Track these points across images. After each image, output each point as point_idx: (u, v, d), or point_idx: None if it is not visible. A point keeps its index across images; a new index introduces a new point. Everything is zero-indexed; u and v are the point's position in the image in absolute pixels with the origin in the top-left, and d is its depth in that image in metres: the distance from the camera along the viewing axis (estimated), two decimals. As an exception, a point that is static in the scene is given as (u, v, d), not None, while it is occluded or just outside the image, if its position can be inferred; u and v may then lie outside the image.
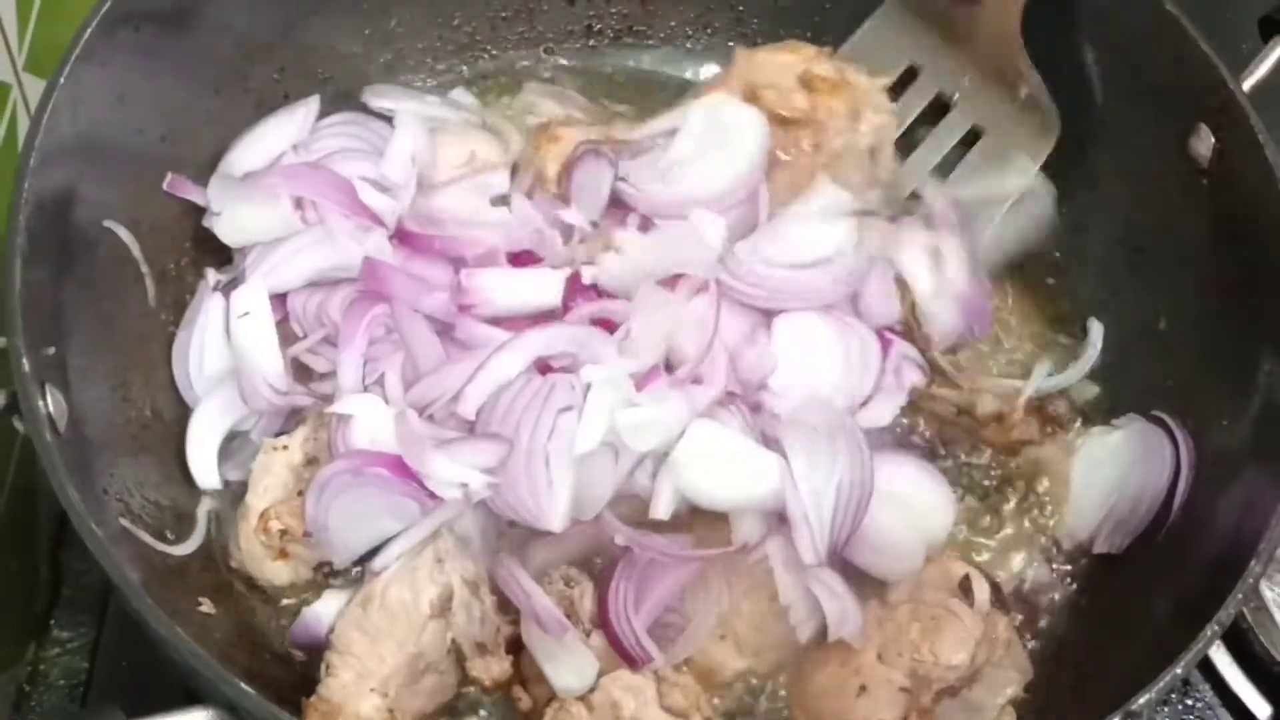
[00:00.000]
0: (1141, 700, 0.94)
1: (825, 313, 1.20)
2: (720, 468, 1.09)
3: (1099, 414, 1.28)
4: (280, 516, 1.11)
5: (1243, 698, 1.24)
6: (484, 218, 1.25)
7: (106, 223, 1.15)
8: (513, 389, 1.10)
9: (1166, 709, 1.25)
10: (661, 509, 1.09)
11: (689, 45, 1.51)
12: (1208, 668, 1.25)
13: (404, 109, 1.32)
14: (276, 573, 1.14)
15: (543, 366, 1.14)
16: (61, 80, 1.08)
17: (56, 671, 1.22)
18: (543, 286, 1.19)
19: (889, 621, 1.07)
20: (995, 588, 1.11)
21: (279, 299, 1.20)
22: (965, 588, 1.09)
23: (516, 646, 1.07)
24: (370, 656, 1.03)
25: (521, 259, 1.23)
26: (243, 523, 1.14)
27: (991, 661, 1.06)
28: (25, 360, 0.98)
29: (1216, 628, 0.97)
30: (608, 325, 1.17)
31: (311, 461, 1.13)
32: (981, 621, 1.06)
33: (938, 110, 1.37)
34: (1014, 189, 1.31)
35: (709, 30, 1.50)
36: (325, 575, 1.15)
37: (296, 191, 1.22)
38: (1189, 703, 1.25)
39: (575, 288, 1.20)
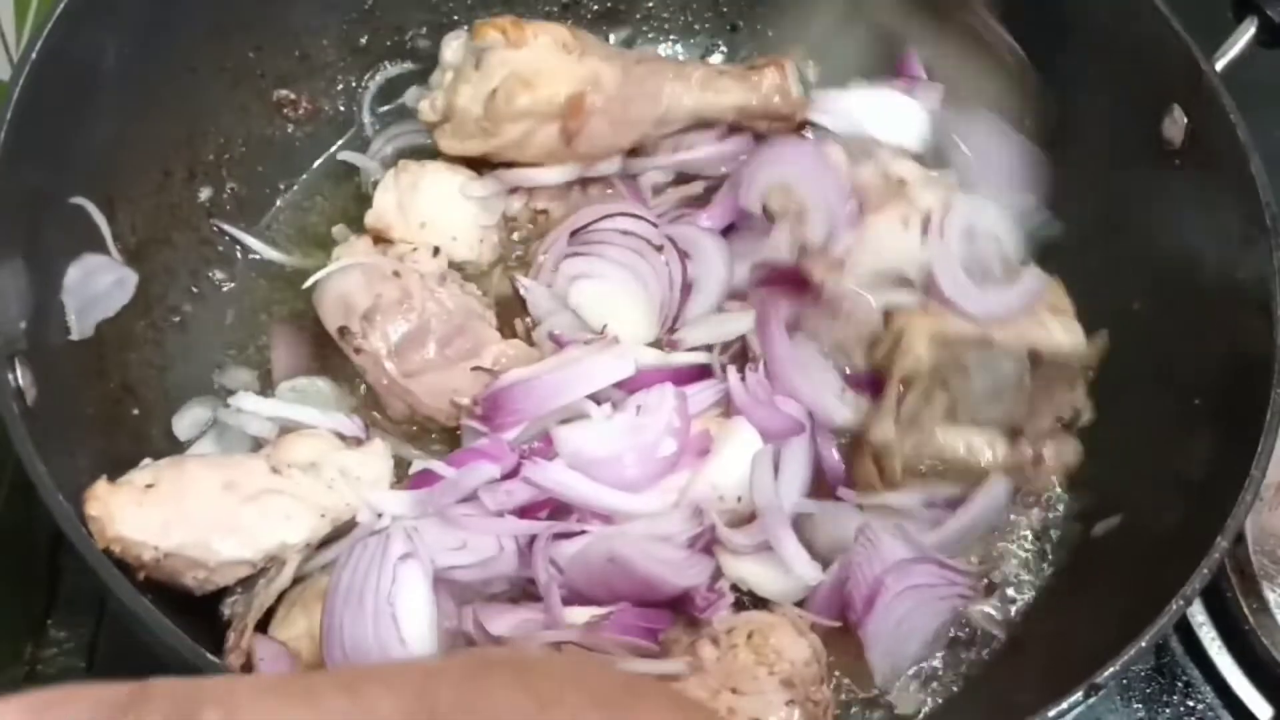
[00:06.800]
0: (1107, 673, 0.95)
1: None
2: None
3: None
4: None
5: (1244, 699, 1.24)
6: None
7: (78, 200, 1.15)
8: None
9: (1168, 710, 1.25)
10: None
11: (667, 25, 1.51)
12: (1209, 669, 1.25)
13: None
14: None
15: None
16: (32, 57, 1.08)
17: (53, 671, 1.22)
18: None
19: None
20: None
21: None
22: None
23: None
24: None
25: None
26: None
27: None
28: (-6, 335, 0.99)
29: (1181, 603, 0.98)
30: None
31: None
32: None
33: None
34: None
35: (688, 11, 1.50)
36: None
37: None
38: (1190, 704, 1.25)
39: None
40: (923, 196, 1.25)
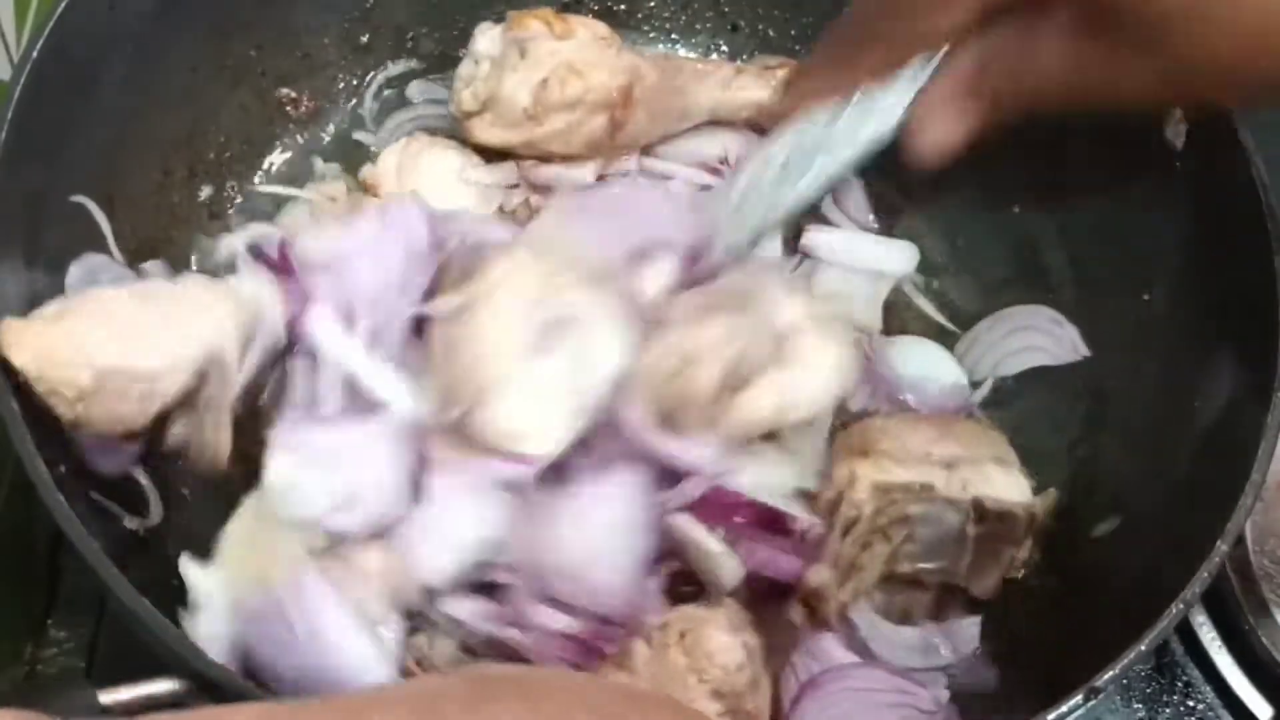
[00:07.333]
0: (1107, 677, 0.95)
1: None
2: None
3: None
4: None
5: (1244, 699, 1.24)
6: None
7: (79, 199, 1.15)
8: None
9: (1168, 710, 1.25)
10: None
11: (668, 25, 1.51)
12: (1209, 669, 1.25)
13: None
14: None
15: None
16: (33, 57, 1.08)
17: (54, 671, 1.21)
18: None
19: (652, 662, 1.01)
20: None
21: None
22: None
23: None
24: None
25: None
26: None
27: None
28: (-8, 332, 0.98)
29: (1181, 606, 0.97)
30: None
31: None
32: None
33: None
34: None
35: (688, 11, 1.50)
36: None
37: None
38: (1190, 704, 1.26)
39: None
40: None
